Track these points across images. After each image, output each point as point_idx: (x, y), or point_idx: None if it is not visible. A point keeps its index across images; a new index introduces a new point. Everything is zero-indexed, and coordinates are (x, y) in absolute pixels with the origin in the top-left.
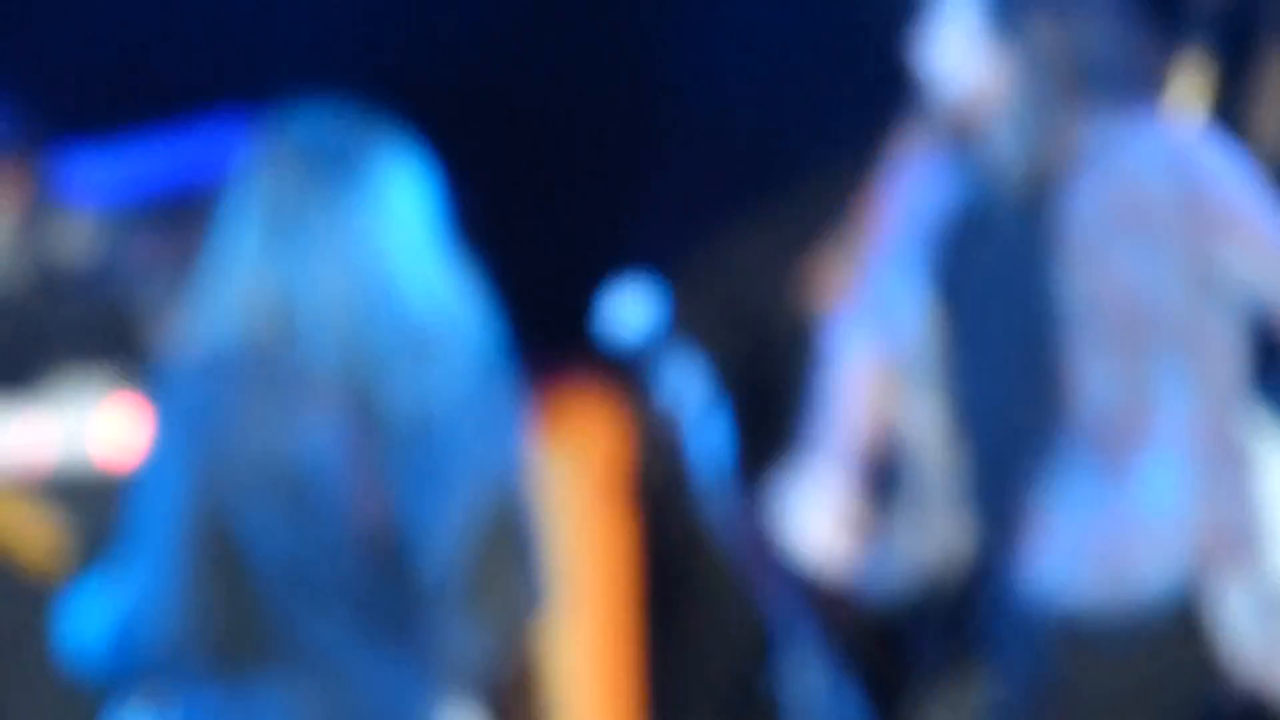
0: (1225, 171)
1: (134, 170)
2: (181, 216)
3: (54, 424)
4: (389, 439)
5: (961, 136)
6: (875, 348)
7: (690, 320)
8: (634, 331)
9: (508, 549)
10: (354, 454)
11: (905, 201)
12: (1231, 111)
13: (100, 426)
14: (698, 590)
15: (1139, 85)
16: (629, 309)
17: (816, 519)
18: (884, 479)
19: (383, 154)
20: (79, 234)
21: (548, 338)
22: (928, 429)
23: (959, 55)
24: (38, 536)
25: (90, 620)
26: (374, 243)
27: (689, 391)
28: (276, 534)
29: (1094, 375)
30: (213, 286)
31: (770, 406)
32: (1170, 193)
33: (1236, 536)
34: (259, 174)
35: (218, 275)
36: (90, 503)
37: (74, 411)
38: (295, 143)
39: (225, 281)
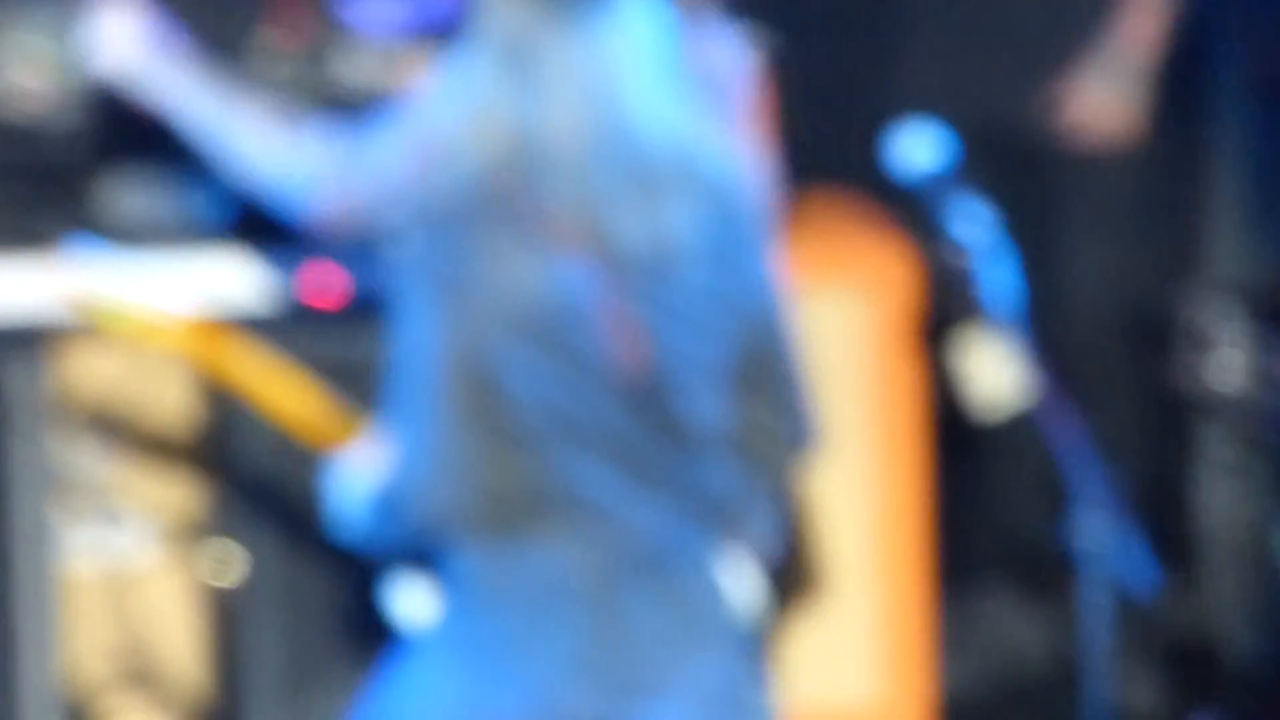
0: None
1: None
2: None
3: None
4: (633, 277)
5: None
6: None
7: (973, 161)
8: (921, 171)
9: (766, 387)
10: (603, 294)
11: None
12: None
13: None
14: (989, 436)
15: None
16: (916, 148)
17: None
18: None
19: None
20: (367, 63)
21: (837, 177)
22: None
23: None
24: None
25: (358, 488)
26: (608, 77)
27: (977, 231)
28: (539, 381)
29: None
30: (449, 119)
31: (1048, 247)
32: None
33: None
34: (495, 9)
35: (454, 107)
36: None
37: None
38: None
39: (460, 114)
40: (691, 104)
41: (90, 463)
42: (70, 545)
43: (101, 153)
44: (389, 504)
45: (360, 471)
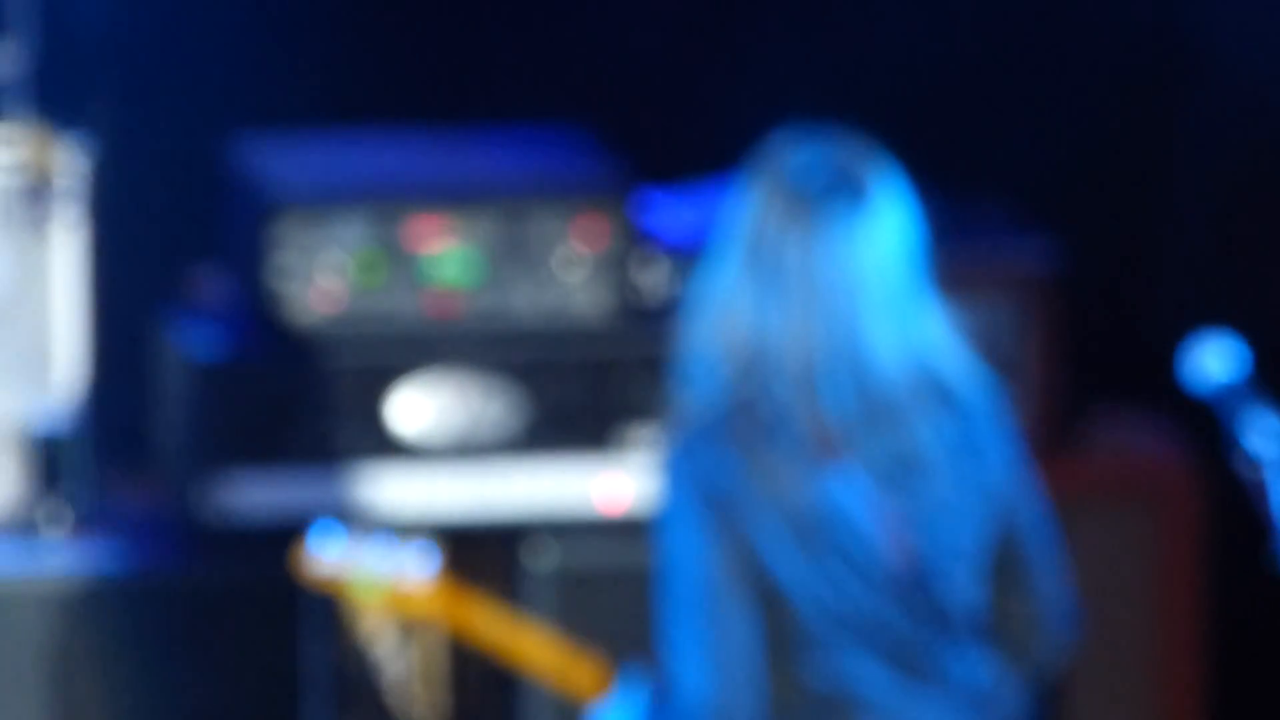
0: None
1: (709, 214)
2: None
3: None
4: (886, 477)
5: None
6: None
7: (1269, 375)
8: (1216, 382)
9: (1020, 577)
10: (862, 493)
11: None
12: None
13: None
14: (1271, 641)
15: None
16: (1210, 360)
17: None
18: None
19: (868, 193)
20: (657, 274)
21: (1130, 390)
22: None
23: None
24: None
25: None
26: (847, 287)
27: (1269, 445)
28: (814, 584)
29: None
30: (699, 324)
31: None
32: None
33: None
34: (746, 208)
35: (704, 312)
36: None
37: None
38: (781, 176)
39: (706, 320)
40: (929, 312)
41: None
42: None
43: (394, 360)
44: None
45: (620, 715)
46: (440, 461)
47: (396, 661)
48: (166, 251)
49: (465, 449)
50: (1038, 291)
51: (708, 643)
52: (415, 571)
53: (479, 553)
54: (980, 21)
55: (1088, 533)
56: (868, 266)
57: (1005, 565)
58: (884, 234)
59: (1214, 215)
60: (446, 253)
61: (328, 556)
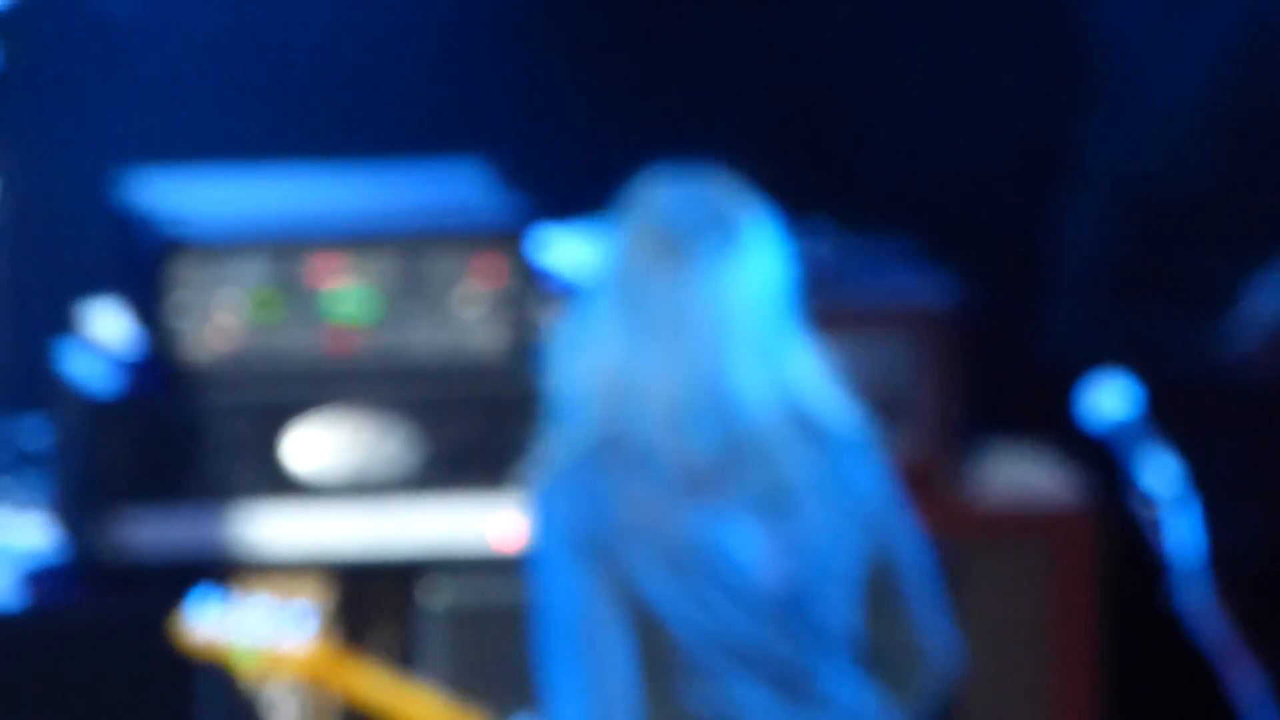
0: None
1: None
2: None
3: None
4: (757, 507)
5: None
6: None
7: (1161, 413)
8: (1111, 421)
9: (896, 605)
10: (735, 524)
11: None
12: None
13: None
14: (1165, 684)
15: None
16: (1107, 399)
17: None
18: None
19: (737, 232)
20: (555, 312)
21: (1024, 426)
22: None
23: None
24: None
25: None
26: (713, 326)
27: (1161, 481)
28: (691, 611)
29: None
30: (570, 362)
31: (1241, 499)
32: None
33: None
34: (616, 247)
35: (575, 350)
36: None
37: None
38: (651, 215)
39: (579, 357)
40: (797, 349)
41: (273, 708)
42: None
43: (291, 397)
44: None
45: None
46: (336, 499)
47: (290, 700)
48: (63, 287)
49: (361, 486)
50: (933, 328)
51: (586, 679)
52: (294, 635)
53: (374, 590)
54: (875, 58)
55: (983, 570)
56: (735, 305)
57: (881, 595)
58: (752, 273)
59: (1109, 252)
60: (344, 290)
61: (205, 624)
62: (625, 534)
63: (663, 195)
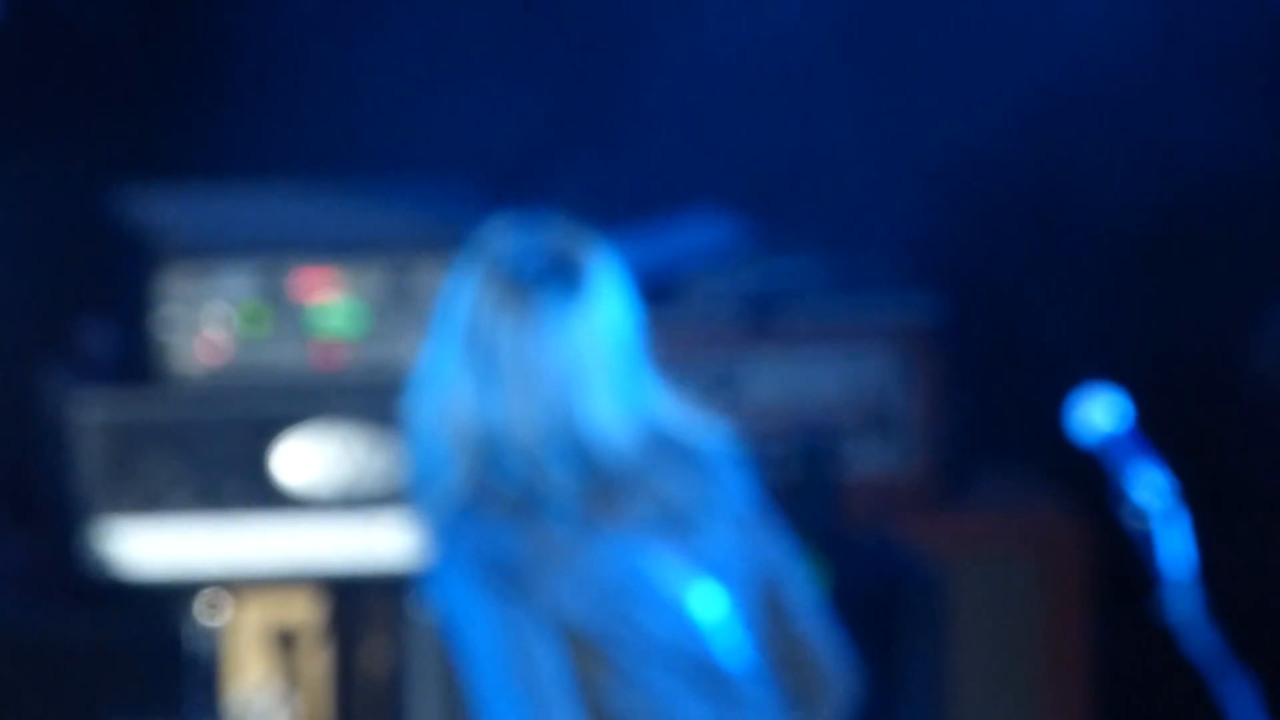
0: None
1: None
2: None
3: None
4: (659, 534)
5: None
6: None
7: (1151, 428)
8: (1100, 435)
9: (787, 630)
10: (641, 549)
11: None
12: None
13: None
14: (1157, 697)
15: None
16: (1096, 413)
17: None
18: None
19: (582, 277)
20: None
21: (1012, 443)
22: None
23: None
24: None
25: None
26: (561, 369)
27: (1152, 497)
28: (624, 631)
29: None
30: (424, 411)
31: (1231, 514)
32: None
33: None
34: (461, 296)
35: (428, 400)
36: None
37: None
38: (496, 263)
39: (433, 407)
40: (652, 386)
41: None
42: None
43: (279, 411)
44: None
45: None
46: (325, 513)
47: (281, 713)
48: (51, 302)
49: (350, 500)
50: (921, 344)
51: (526, 710)
52: None
53: (364, 604)
54: (861, 75)
55: (973, 586)
56: (582, 347)
57: (774, 611)
58: (599, 316)
59: (1098, 267)
60: (332, 304)
61: None
62: (536, 568)
63: (506, 242)
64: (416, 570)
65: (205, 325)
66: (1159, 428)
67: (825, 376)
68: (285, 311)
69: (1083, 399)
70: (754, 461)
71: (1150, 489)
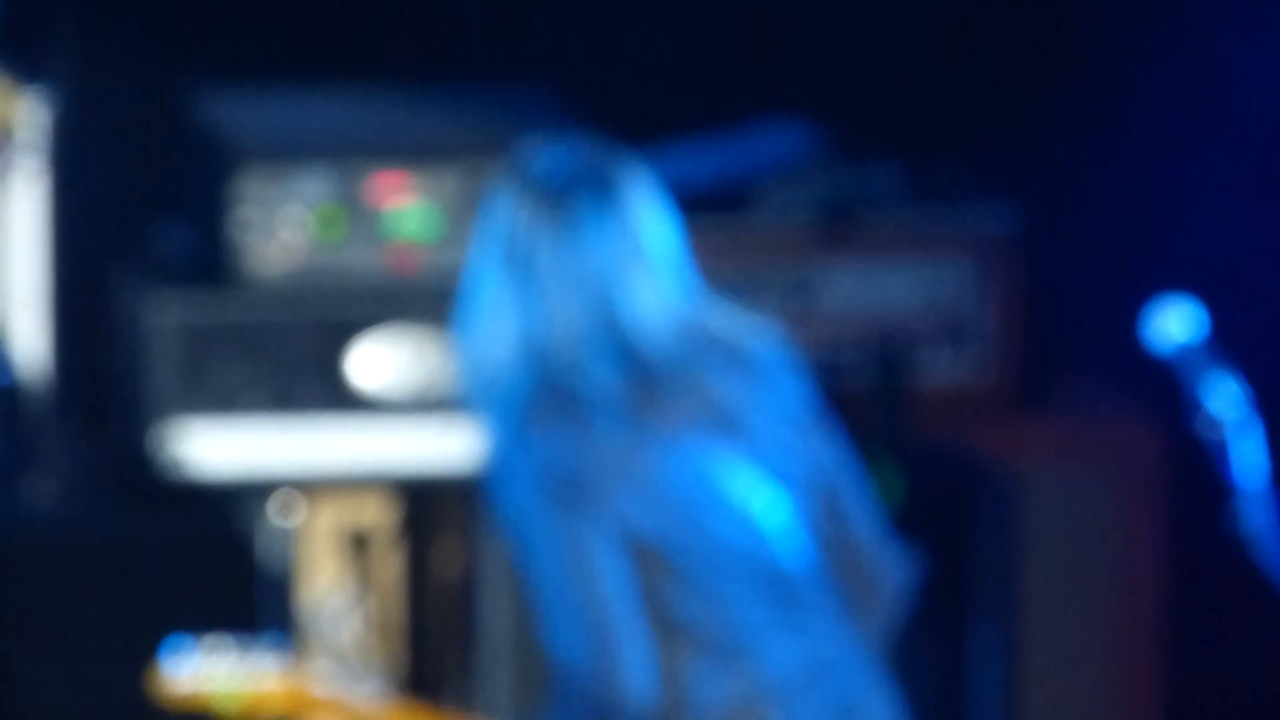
0: None
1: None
2: (720, 212)
3: None
4: (712, 435)
5: None
6: None
7: (1227, 338)
8: (1176, 345)
9: (842, 533)
10: (698, 451)
11: None
12: None
13: None
14: (1230, 607)
15: None
16: (1172, 323)
17: None
18: None
19: (613, 185)
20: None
21: (1091, 350)
22: None
23: None
24: None
25: None
26: (599, 271)
27: (1227, 406)
28: (687, 536)
29: None
30: (472, 333)
31: None
32: None
33: None
34: (498, 215)
35: (474, 321)
36: None
37: None
38: (528, 179)
39: (479, 328)
40: (693, 288)
41: (332, 623)
42: None
43: (354, 315)
44: None
45: None
46: (399, 415)
47: (353, 615)
48: (127, 204)
49: (424, 402)
50: (998, 253)
51: (592, 625)
52: (269, 668)
53: (437, 506)
54: None
55: (1047, 494)
56: (619, 251)
57: (830, 514)
58: (634, 222)
59: (1175, 175)
60: (407, 208)
61: (182, 676)
62: (599, 478)
63: (537, 159)
64: (485, 477)
65: (281, 228)
66: (1234, 337)
67: (901, 284)
68: (360, 215)
69: (1159, 308)
70: (811, 366)
71: (1225, 399)
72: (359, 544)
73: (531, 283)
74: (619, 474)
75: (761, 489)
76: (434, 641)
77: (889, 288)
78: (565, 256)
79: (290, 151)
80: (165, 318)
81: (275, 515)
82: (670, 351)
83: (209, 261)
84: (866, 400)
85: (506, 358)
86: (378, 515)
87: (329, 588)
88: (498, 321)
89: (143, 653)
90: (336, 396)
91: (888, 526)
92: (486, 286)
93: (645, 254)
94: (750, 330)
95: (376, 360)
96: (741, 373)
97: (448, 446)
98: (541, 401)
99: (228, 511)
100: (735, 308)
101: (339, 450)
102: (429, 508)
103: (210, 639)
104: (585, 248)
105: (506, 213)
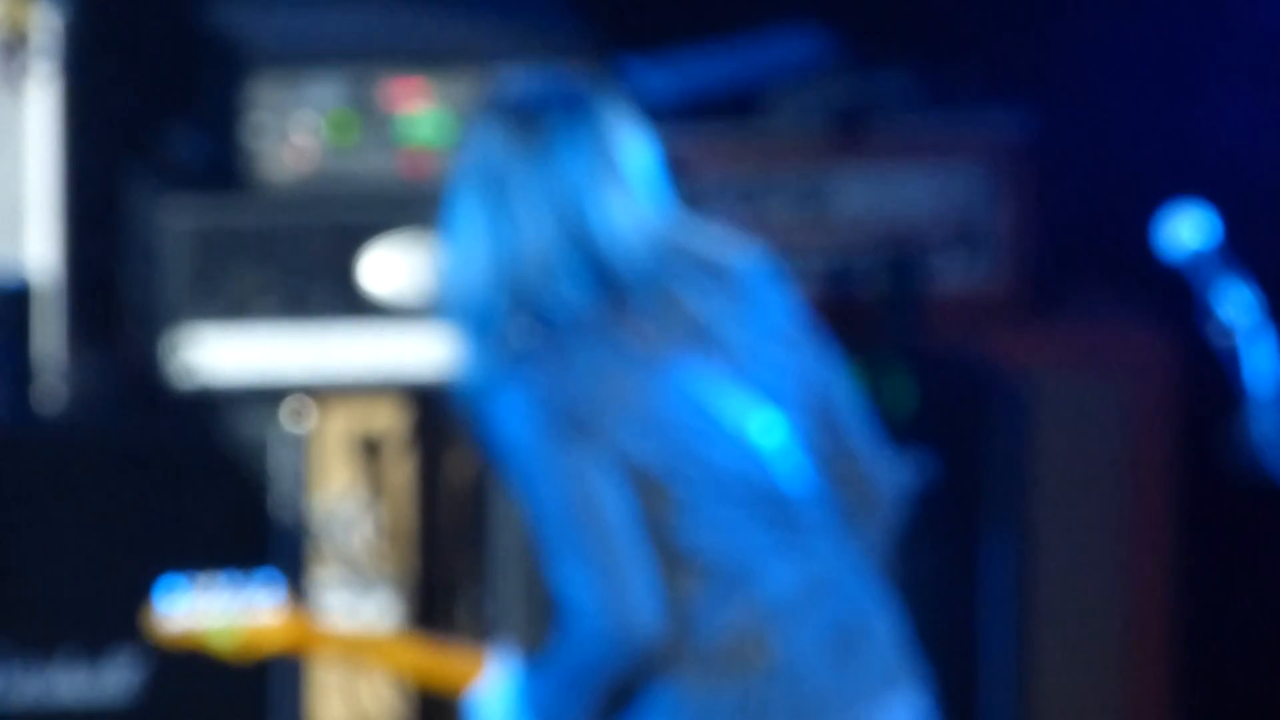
0: None
1: (682, 81)
2: (732, 118)
3: None
4: (700, 351)
5: None
6: None
7: (1239, 245)
8: (1188, 252)
9: (837, 444)
10: (685, 368)
11: None
12: None
13: None
14: (1242, 514)
15: None
16: (1184, 230)
17: None
18: None
19: (588, 108)
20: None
21: (1101, 258)
22: None
23: None
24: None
25: (516, 703)
26: (572, 189)
27: (1239, 313)
28: (684, 462)
29: None
30: (451, 263)
31: None
32: None
33: None
34: (473, 143)
35: (452, 250)
36: None
37: None
38: (502, 106)
39: (458, 257)
40: (671, 209)
41: (344, 529)
42: (325, 608)
43: (367, 220)
44: (585, 674)
45: (511, 688)
46: (411, 321)
47: (365, 521)
48: (140, 109)
49: (436, 309)
50: (1011, 158)
51: (597, 559)
52: (265, 605)
53: (449, 412)
54: None
55: (1059, 400)
56: (591, 168)
57: (824, 427)
58: (607, 141)
59: (1187, 82)
60: (420, 114)
61: (176, 614)
62: (596, 408)
63: (512, 87)
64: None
65: (294, 133)
66: (1247, 244)
67: (913, 190)
68: (374, 120)
69: (1171, 215)
70: (822, 273)
71: (1237, 305)
72: (370, 450)
73: (503, 206)
74: (615, 404)
75: (755, 411)
76: (445, 547)
77: (901, 194)
78: (537, 177)
79: (304, 56)
80: (178, 223)
81: (287, 421)
82: (646, 269)
83: (222, 166)
84: (878, 307)
85: (480, 282)
86: (389, 421)
87: (340, 494)
88: (471, 246)
89: (151, 559)
90: (349, 302)
91: (883, 433)
92: (461, 212)
93: (620, 173)
94: (731, 247)
95: (389, 266)
96: (722, 290)
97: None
98: (518, 326)
99: (239, 418)
100: (716, 225)
101: (351, 356)
102: (441, 413)
103: (204, 577)
104: (557, 167)
105: (480, 138)
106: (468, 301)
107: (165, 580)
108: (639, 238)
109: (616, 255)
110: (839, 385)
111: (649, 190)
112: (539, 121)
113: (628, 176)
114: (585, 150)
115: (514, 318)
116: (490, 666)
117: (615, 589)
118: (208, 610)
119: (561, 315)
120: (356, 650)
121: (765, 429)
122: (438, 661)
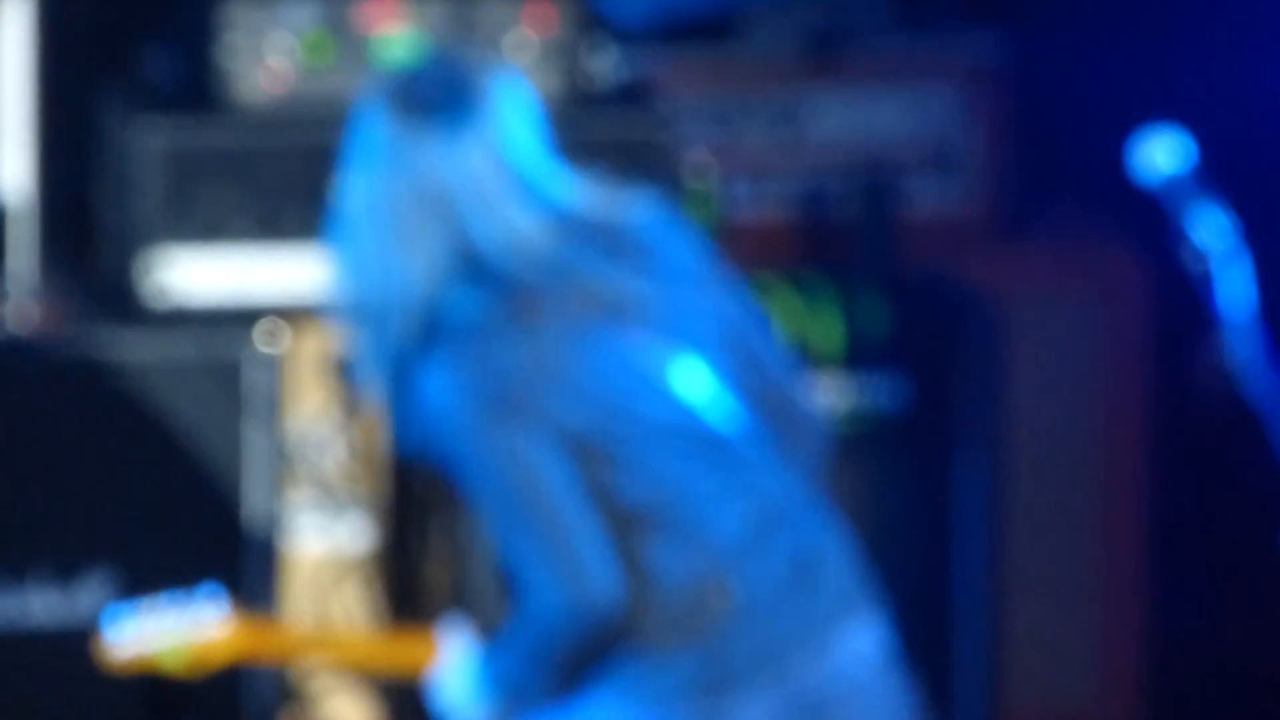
0: None
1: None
2: (707, 40)
3: None
4: (619, 319)
5: None
6: None
7: (1213, 169)
8: (1161, 175)
9: (762, 378)
10: (613, 337)
11: None
12: None
13: None
14: (1213, 436)
15: None
16: (1158, 154)
17: None
18: None
19: (474, 94)
20: (606, 59)
21: (1076, 183)
22: None
23: None
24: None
25: (475, 679)
26: (460, 182)
27: (1214, 236)
28: (619, 423)
29: None
30: (345, 270)
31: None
32: None
33: None
34: (361, 134)
35: (343, 253)
36: None
37: None
38: (390, 98)
39: (348, 261)
40: (566, 185)
41: (317, 451)
42: (298, 530)
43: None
44: (546, 648)
45: (470, 666)
46: None
47: (338, 443)
48: (115, 28)
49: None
50: (985, 82)
51: (546, 534)
52: (211, 618)
53: None
54: None
55: (1032, 324)
56: (475, 170)
57: (749, 362)
58: (491, 135)
59: (1165, 8)
60: (395, 35)
61: (124, 641)
62: (519, 387)
63: (398, 79)
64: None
65: (269, 54)
66: (1221, 168)
67: (888, 114)
68: (348, 41)
69: (1145, 139)
70: (797, 195)
71: (1211, 230)
72: (344, 371)
73: (392, 228)
74: (540, 381)
75: (678, 359)
76: (417, 470)
77: (875, 117)
78: (420, 183)
79: None
80: (152, 143)
81: (261, 342)
82: (541, 259)
83: (196, 87)
84: (852, 229)
85: (374, 298)
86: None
87: (314, 415)
88: (364, 270)
89: (126, 480)
90: (323, 223)
91: (798, 360)
92: (353, 226)
93: (505, 167)
94: (625, 202)
95: None
96: (625, 249)
97: None
98: (424, 343)
99: (213, 338)
100: (610, 184)
101: (325, 277)
102: None
103: (147, 601)
104: (440, 170)
105: (370, 132)
106: (364, 317)
107: (110, 609)
108: (529, 231)
109: (505, 257)
110: (753, 316)
111: (538, 178)
112: (425, 118)
113: (514, 170)
114: (469, 148)
115: (413, 325)
116: (448, 647)
117: (569, 563)
118: (155, 632)
119: (461, 319)
120: (309, 648)
121: (691, 375)
122: (393, 648)
